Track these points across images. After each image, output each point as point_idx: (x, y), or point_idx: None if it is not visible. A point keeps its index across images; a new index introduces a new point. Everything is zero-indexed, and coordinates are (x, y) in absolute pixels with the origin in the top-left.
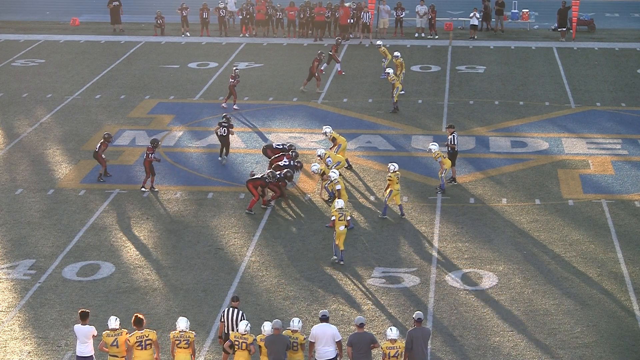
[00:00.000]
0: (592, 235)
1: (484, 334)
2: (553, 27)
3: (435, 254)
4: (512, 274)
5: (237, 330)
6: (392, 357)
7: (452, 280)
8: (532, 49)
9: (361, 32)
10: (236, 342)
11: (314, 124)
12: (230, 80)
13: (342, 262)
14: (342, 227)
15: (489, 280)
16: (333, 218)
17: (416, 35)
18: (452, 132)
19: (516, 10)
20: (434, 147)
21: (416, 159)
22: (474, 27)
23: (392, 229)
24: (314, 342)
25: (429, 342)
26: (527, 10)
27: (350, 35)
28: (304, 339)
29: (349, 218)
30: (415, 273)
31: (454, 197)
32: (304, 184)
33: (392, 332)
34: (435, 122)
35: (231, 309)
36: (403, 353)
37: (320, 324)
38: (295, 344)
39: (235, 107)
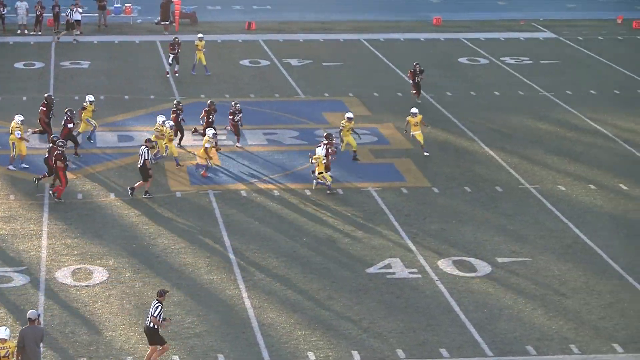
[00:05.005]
0: (200, 226)
1: (96, 330)
2: (156, 21)
3: (44, 251)
4: (123, 268)
5: None
6: (4, 357)
7: (62, 277)
8: (136, 43)
9: None
10: None
11: None
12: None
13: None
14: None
15: (99, 275)
16: (208, 145)
17: (18, 32)
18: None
19: (119, 5)
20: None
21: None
22: (78, 22)
23: None
24: None
25: (42, 340)
26: (130, 4)
27: None
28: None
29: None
30: (24, 272)
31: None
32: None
33: (2, 332)
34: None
35: (155, 302)
36: (15, 353)
37: None
38: (8, 354)
39: None
